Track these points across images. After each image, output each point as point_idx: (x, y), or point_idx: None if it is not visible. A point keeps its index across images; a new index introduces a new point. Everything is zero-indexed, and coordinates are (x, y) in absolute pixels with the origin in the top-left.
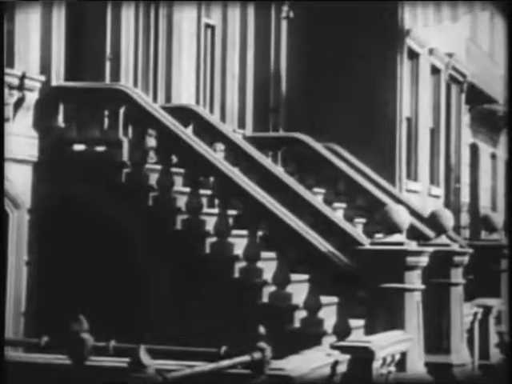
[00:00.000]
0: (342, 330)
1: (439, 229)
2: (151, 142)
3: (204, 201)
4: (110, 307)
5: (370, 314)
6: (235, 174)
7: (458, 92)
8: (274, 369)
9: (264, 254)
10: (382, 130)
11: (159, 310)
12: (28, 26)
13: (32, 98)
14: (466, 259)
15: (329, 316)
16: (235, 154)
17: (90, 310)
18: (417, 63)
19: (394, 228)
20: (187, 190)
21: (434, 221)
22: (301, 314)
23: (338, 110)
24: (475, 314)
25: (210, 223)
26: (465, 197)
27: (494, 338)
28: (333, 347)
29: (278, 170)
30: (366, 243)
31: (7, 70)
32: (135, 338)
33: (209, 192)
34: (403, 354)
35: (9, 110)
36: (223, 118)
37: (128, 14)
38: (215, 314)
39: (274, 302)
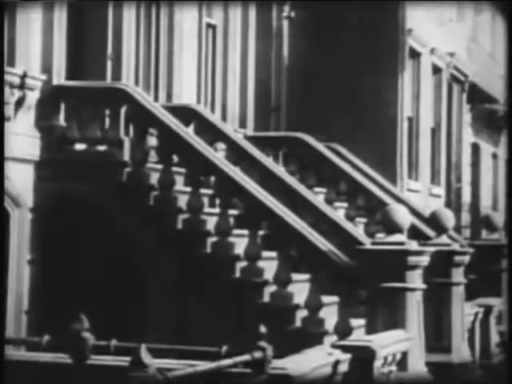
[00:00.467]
0: (343, 330)
1: (440, 228)
2: (152, 141)
3: (205, 200)
4: (111, 306)
5: (371, 313)
6: (236, 173)
7: (459, 91)
8: (275, 368)
9: (265, 254)
10: (383, 129)
11: (160, 309)
12: (29, 25)
13: (33, 97)
14: (466, 259)
15: (330, 315)
16: (236, 153)
17: (90, 308)
18: (418, 63)
19: (394, 228)
20: (188, 189)
21: (434, 220)
22: (302, 314)
23: (339, 110)
24: (476, 314)
25: (211, 223)
26: (466, 196)
27: (494, 338)
28: (334, 346)
29: (279, 170)
30: (367, 243)
31: (8, 69)
32: (136, 337)
33: (210, 191)
34: (404, 354)
35: (10, 109)
36: (224, 117)
37: (129, 14)
38: (216, 313)
39: (275, 301)
